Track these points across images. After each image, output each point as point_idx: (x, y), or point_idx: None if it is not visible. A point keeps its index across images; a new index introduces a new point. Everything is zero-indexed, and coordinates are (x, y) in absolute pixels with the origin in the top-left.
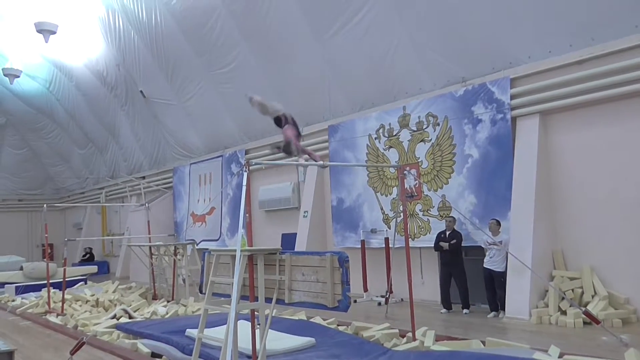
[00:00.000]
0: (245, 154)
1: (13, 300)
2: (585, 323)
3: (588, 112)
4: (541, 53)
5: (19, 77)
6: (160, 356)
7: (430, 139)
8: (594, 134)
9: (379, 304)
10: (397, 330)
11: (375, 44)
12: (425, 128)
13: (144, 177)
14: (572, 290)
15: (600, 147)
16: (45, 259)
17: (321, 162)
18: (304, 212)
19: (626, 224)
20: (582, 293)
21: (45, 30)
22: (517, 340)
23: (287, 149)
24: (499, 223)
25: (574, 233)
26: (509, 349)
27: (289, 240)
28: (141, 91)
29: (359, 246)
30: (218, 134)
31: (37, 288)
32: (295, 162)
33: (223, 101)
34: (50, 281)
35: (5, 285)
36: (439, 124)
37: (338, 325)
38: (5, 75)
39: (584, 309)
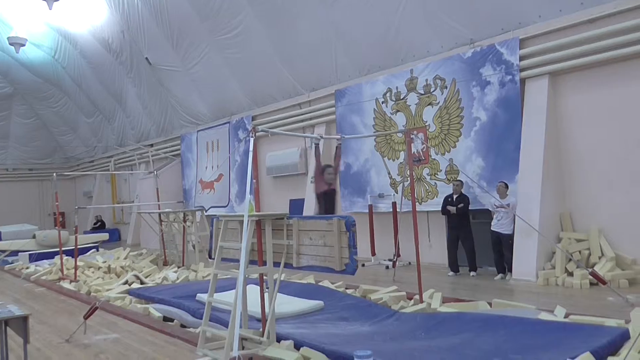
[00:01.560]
0: (252, 120)
1: (27, 268)
2: (591, 284)
3: (599, 73)
4: (551, 12)
5: (24, 45)
6: (171, 320)
7: (438, 102)
8: (604, 94)
9: (387, 267)
10: (404, 293)
11: (382, 7)
12: (433, 91)
13: (151, 145)
14: (579, 252)
15: (609, 109)
16: (57, 227)
17: (339, 135)
18: (312, 177)
19: (634, 186)
20: (589, 255)
21: None
22: (523, 301)
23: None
24: (506, 186)
25: (582, 195)
26: (515, 309)
27: (297, 206)
28: (146, 58)
29: (367, 211)
30: (224, 101)
31: (50, 255)
32: (301, 135)
33: (229, 67)
34: (63, 249)
35: (19, 253)
36: (446, 87)
37: (346, 288)
38: (10, 44)
39: (590, 269)
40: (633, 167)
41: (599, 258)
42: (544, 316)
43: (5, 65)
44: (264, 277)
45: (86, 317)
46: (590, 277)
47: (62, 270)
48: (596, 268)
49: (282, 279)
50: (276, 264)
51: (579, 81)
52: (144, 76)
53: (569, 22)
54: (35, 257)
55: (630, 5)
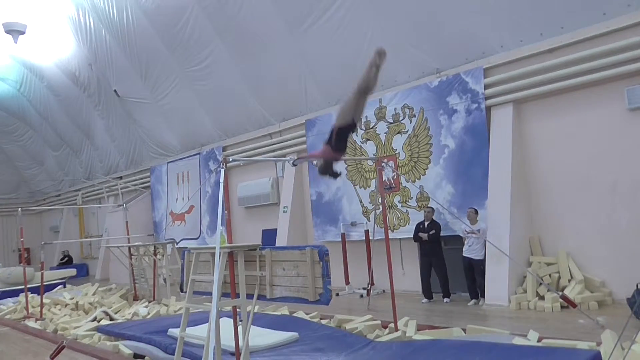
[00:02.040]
0: (223, 150)
1: None
2: (562, 307)
3: (560, 100)
4: (513, 42)
5: None
6: (142, 357)
7: (407, 131)
8: (566, 121)
9: (361, 296)
10: (379, 322)
11: (349, 37)
12: (402, 120)
13: (120, 178)
14: (549, 275)
15: (572, 134)
16: (22, 264)
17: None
18: (284, 207)
19: (600, 209)
20: (559, 278)
21: (14, 31)
22: (497, 326)
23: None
24: (476, 212)
25: (550, 219)
26: (490, 335)
27: (269, 236)
28: (115, 90)
29: (340, 239)
30: (194, 132)
31: (14, 293)
32: (272, 159)
33: (198, 98)
34: (28, 286)
35: None
36: (415, 116)
37: (321, 318)
38: None
39: (560, 293)
40: (599, 190)
41: (569, 281)
42: (518, 341)
43: None
44: (237, 310)
45: (53, 356)
46: (561, 300)
47: (27, 309)
48: (566, 291)
49: (255, 310)
50: (249, 296)
51: (542, 108)
52: (112, 108)
53: (529, 52)
54: None
55: (587, 36)
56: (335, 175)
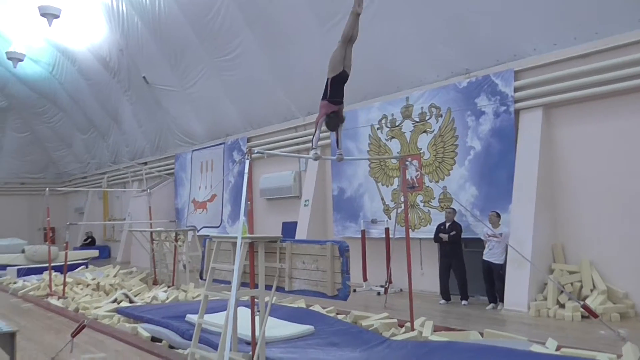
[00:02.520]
0: (247, 141)
1: (15, 283)
2: (583, 317)
3: (591, 106)
4: (546, 46)
5: (22, 60)
6: (160, 340)
7: (433, 130)
8: (597, 128)
9: (378, 293)
10: (395, 320)
11: (380, 34)
12: (428, 119)
13: (145, 163)
14: (571, 284)
15: (602, 142)
16: (47, 243)
17: (338, 156)
18: (305, 201)
19: (627, 219)
20: (581, 287)
21: (49, 14)
22: (515, 332)
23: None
24: (499, 215)
25: (575, 227)
26: (507, 340)
27: (289, 229)
28: (144, 77)
29: (359, 236)
30: (220, 122)
31: (38, 271)
32: (292, 155)
33: (225, 89)
34: (52, 264)
35: (7, 268)
36: (441, 116)
37: (337, 314)
38: (8, 58)
39: (582, 302)
40: (625, 200)
41: (591, 291)
42: (536, 348)
43: (2, 80)
44: (255, 300)
45: (74, 335)
46: (582, 310)
47: (50, 286)
48: (588, 301)
49: (272, 302)
50: (268, 287)
51: (573, 114)
52: (140, 95)
53: (563, 56)
54: (23, 272)
55: (622, 42)
56: (342, 121)
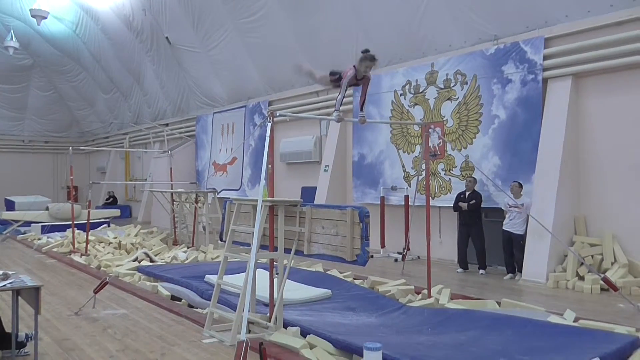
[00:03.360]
0: (269, 105)
1: (39, 239)
2: (602, 289)
3: (623, 77)
4: (579, 12)
5: (46, 18)
6: (179, 299)
7: (457, 98)
8: (626, 99)
9: (396, 260)
10: (412, 287)
11: None
12: (453, 86)
13: (167, 125)
14: (592, 256)
15: (631, 114)
16: (70, 201)
17: (361, 117)
18: (325, 166)
19: None
20: (602, 260)
21: None
22: (532, 302)
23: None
24: (521, 186)
25: (598, 200)
26: (524, 310)
27: (308, 194)
28: (167, 37)
29: (379, 202)
30: (241, 85)
31: (62, 228)
32: (317, 117)
33: (248, 51)
34: (75, 222)
35: (32, 224)
36: (467, 83)
37: (354, 279)
38: (32, 16)
39: (602, 275)
40: None
41: (612, 264)
42: (553, 319)
43: (26, 37)
44: (274, 263)
45: (96, 291)
46: (602, 282)
47: (73, 244)
48: (608, 274)
49: (291, 265)
50: (287, 250)
51: (603, 84)
52: (163, 55)
53: (596, 24)
54: (47, 229)
55: None
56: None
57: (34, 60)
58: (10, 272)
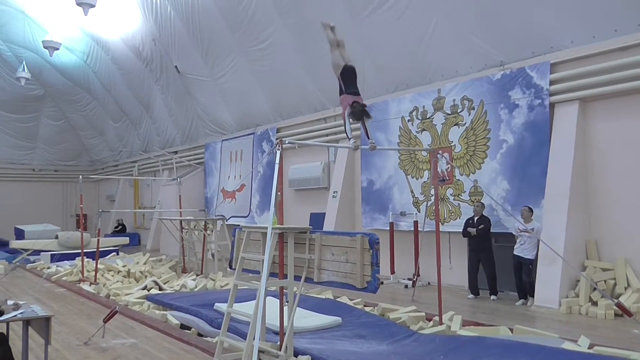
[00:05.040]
0: (277, 132)
1: (48, 268)
2: (616, 315)
3: (630, 101)
4: (584, 38)
5: (58, 49)
6: (189, 328)
7: (465, 123)
8: (635, 123)
9: (406, 286)
10: (423, 314)
11: (413, 25)
12: (460, 112)
13: (176, 152)
14: (605, 281)
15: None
16: (79, 229)
17: (370, 144)
18: (334, 192)
19: None
20: (615, 284)
21: (85, 3)
22: (545, 329)
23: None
24: (531, 210)
25: (609, 224)
26: (538, 337)
27: (317, 220)
28: (176, 66)
29: (388, 228)
30: (250, 112)
31: (71, 257)
32: (326, 144)
33: (256, 79)
34: (84, 250)
35: (41, 253)
36: (474, 108)
37: (364, 306)
38: (45, 47)
39: (616, 300)
40: None
41: (625, 289)
42: (568, 346)
43: (38, 68)
44: (284, 291)
45: (106, 320)
46: (616, 308)
47: (82, 272)
48: (621, 299)
49: (301, 292)
50: (297, 278)
51: (610, 109)
52: (172, 84)
53: (601, 49)
54: (57, 258)
55: None
56: (368, 115)
57: (45, 90)
58: (20, 302)
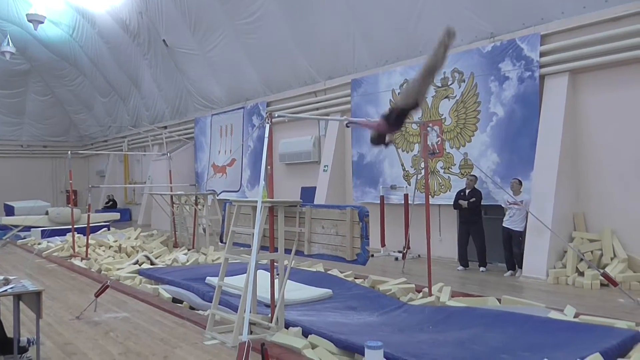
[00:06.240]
0: (267, 106)
1: (39, 244)
2: (602, 285)
3: (620, 72)
4: (575, 9)
5: (42, 23)
6: (180, 302)
7: (455, 96)
8: (624, 95)
9: (396, 259)
10: (413, 285)
11: None
12: (450, 84)
13: (165, 127)
14: (591, 252)
15: (629, 109)
16: (69, 205)
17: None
18: (324, 166)
19: None
20: (601, 255)
21: None
22: (533, 299)
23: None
24: (520, 182)
25: (597, 195)
26: (525, 307)
27: (308, 194)
28: (164, 40)
29: (378, 201)
30: (239, 86)
31: (62, 232)
32: (317, 117)
33: (246, 52)
34: (75, 226)
35: (32, 229)
36: (464, 81)
37: (355, 278)
38: (29, 21)
39: (602, 270)
40: None
41: (611, 259)
42: (554, 315)
43: (23, 42)
44: (275, 263)
45: (97, 295)
46: (602, 277)
47: (73, 248)
48: (608, 269)
49: (291, 265)
50: (287, 251)
51: (600, 80)
52: (160, 58)
53: (592, 20)
54: (47, 234)
55: None
56: (387, 144)
57: (31, 65)
58: (11, 277)
